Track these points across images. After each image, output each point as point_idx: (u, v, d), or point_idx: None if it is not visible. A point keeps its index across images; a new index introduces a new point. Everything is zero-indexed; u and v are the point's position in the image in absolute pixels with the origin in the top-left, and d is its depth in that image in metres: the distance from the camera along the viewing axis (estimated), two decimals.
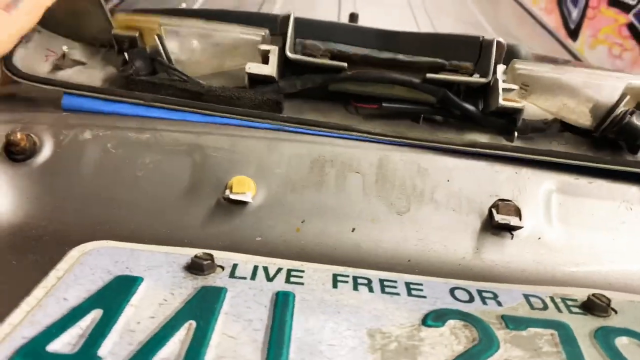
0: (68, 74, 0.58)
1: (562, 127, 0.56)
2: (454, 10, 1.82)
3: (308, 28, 0.90)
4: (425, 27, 1.58)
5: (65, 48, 0.58)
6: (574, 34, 5.25)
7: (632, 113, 0.52)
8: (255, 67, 0.54)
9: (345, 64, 0.53)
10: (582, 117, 0.55)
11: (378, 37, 0.87)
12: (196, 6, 1.68)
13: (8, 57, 0.54)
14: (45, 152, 0.52)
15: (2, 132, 0.51)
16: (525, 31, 1.91)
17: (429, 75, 0.53)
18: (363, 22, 1.45)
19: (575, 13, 5.27)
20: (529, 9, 1.89)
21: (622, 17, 4.56)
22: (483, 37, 0.71)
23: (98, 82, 0.57)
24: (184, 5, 1.60)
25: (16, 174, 0.51)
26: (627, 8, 4.50)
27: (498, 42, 0.53)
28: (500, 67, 0.54)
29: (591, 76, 0.54)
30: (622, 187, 0.53)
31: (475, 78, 0.54)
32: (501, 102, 0.52)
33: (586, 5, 5.06)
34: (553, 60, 1.28)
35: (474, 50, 0.72)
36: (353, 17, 1.45)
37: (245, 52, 0.56)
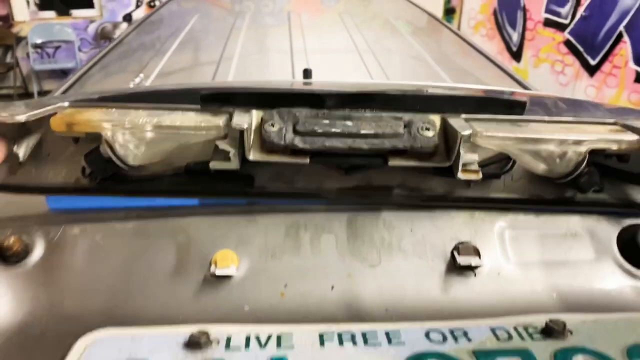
0: (46, 172, 0.60)
1: (512, 163, 0.60)
2: (397, 49, 1.91)
3: (277, 100, 0.95)
4: (374, 70, 1.66)
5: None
6: (516, 55, 5.51)
7: (586, 172, 0.55)
8: (219, 165, 0.53)
9: (307, 160, 0.53)
10: (539, 168, 0.55)
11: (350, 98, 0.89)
12: (153, 76, 1.71)
13: None
14: (37, 252, 0.56)
15: None
16: (469, 61, 2.01)
17: (391, 162, 0.53)
18: (316, 76, 1.52)
19: (515, 36, 5.54)
20: (475, 44, 1.99)
21: (558, 36, 4.83)
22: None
23: (74, 178, 0.60)
24: (141, 76, 1.65)
25: (12, 276, 0.54)
26: (562, 27, 4.77)
27: (462, 136, 0.51)
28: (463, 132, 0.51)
29: (550, 131, 0.54)
30: (565, 218, 0.59)
31: (437, 163, 0.53)
32: (459, 175, 0.52)
33: (524, 28, 5.34)
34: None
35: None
36: (307, 72, 1.51)
37: (203, 146, 0.55)
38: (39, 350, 0.48)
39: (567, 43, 4.75)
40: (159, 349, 0.46)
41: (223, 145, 0.52)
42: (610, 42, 4.31)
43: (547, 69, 5.02)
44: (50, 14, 6.16)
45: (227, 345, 0.47)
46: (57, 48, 6.19)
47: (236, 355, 0.45)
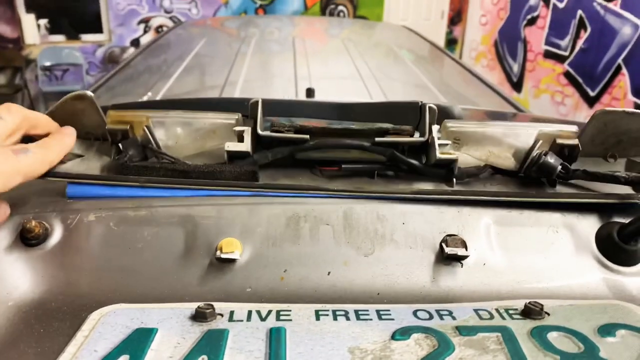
0: (68, 166, 0.66)
1: (492, 171, 0.67)
2: (400, 77, 1.97)
3: (275, 107, 1.02)
4: (376, 95, 1.71)
5: None
6: (517, 86, 5.61)
7: (546, 154, 0.63)
8: (233, 146, 0.63)
9: (308, 136, 0.62)
10: (506, 161, 0.66)
11: (335, 109, 0.99)
12: (161, 94, 1.78)
13: None
14: (56, 235, 0.60)
15: (18, 222, 0.59)
16: (470, 89, 2.07)
17: (377, 139, 0.63)
18: (319, 96, 1.59)
19: (515, 67, 5.65)
20: (471, 68, 2.06)
21: (558, 67, 4.93)
22: (422, 102, 0.83)
23: (95, 171, 0.66)
24: (149, 95, 1.72)
25: (32, 257, 0.58)
26: (561, 59, 4.88)
27: (430, 107, 0.64)
28: (435, 127, 0.65)
29: (509, 127, 0.66)
30: (547, 215, 0.63)
31: (415, 138, 0.65)
32: (438, 155, 0.62)
33: (524, 59, 5.45)
34: (495, 114, 1.43)
35: (415, 113, 0.83)
36: (310, 92, 1.57)
37: (223, 134, 0.66)
38: (56, 321, 0.52)
39: (567, 74, 4.85)
40: (167, 320, 0.50)
41: (239, 127, 0.63)
42: (609, 74, 4.39)
43: (547, 100, 5.12)
44: (60, 37, 6.29)
45: (230, 317, 0.51)
46: (65, 71, 6.31)
47: (239, 325, 0.49)
